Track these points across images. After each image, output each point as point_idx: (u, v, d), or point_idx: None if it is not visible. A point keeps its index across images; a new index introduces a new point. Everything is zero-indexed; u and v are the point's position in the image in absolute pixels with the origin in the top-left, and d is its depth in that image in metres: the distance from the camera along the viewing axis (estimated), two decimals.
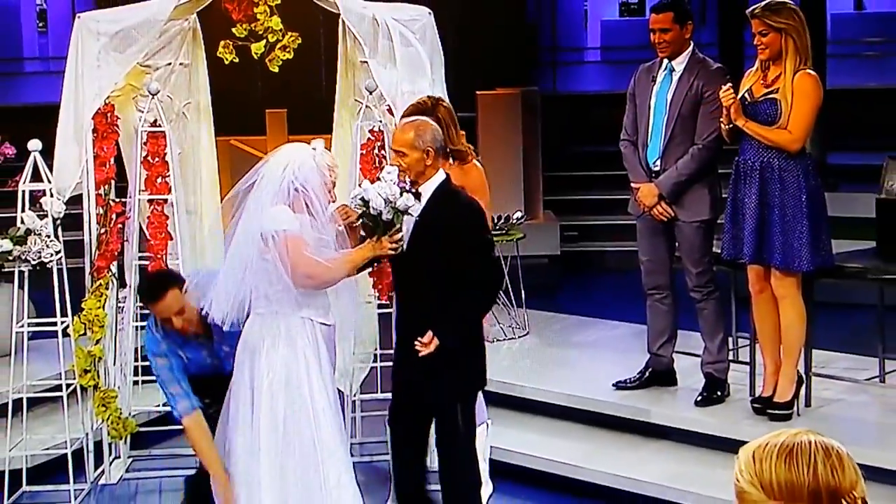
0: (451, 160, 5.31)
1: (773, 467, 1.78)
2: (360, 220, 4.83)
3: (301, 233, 4.72)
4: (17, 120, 6.44)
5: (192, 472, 5.43)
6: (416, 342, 4.72)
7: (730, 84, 5.66)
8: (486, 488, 5.34)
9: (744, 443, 1.91)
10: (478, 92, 10.00)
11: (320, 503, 4.80)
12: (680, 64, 5.99)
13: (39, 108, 6.67)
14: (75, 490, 5.86)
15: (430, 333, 4.71)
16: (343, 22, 6.02)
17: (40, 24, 13.49)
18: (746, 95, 5.64)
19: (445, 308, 4.75)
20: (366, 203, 4.74)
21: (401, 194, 4.71)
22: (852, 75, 13.09)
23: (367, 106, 6.04)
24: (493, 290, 5.06)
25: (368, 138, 5.94)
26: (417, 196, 4.75)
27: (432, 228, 4.79)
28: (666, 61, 6.02)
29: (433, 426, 4.96)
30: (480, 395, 5.19)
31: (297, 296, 4.78)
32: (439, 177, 4.87)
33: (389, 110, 5.89)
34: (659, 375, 6.30)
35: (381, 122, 5.96)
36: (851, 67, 13.65)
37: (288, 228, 4.70)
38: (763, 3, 5.62)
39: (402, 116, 5.30)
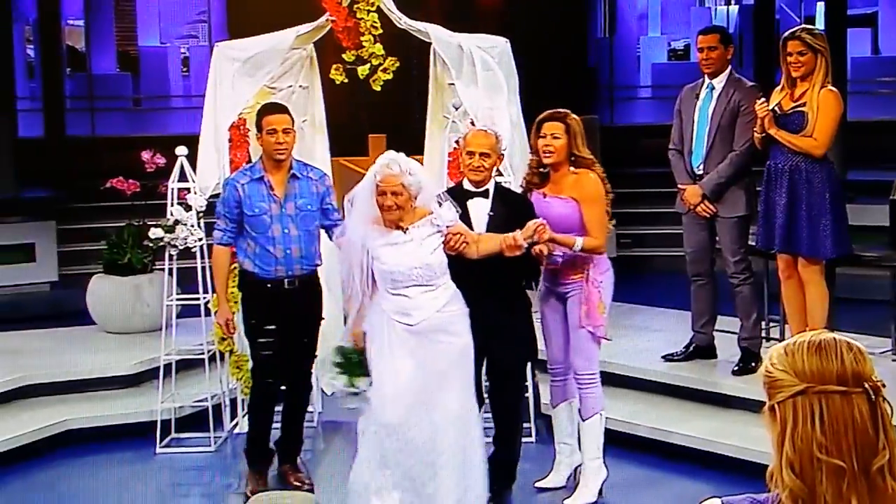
0: (570, 166, 5.00)
1: (804, 357, 1.76)
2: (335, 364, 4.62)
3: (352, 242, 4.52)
4: (165, 146, 6.60)
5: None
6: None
7: (763, 98, 5.65)
8: (601, 475, 5.11)
9: None
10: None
11: None
12: (720, 82, 5.98)
13: (183, 137, 6.82)
14: (214, 437, 5.98)
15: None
16: (434, 50, 6.10)
17: (184, 69, 13.77)
18: (776, 108, 5.61)
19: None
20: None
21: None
22: (869, 109, 12.85)
23: (453, 121, 6.10)
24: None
25: (454, 148, 5.98)
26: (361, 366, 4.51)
27: (499, 217, 4.83)
28: (707, 80, 6.01)
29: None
30: (600, 385, 5.11)
31: (380, 294, 4.51)
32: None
33: (472, 124, 5.93)
34: (701, 350, 6.27)
35: (470, 128, 5.99)
36: (868, 103, 13.41)
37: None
38: (801, 27, 5.72)
39: (539, 122, 5.01)
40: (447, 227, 4.56)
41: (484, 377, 5.06)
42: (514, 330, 4.89)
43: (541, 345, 5.48)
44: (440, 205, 4.60)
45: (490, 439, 5.15)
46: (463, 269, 4.64)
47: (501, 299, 4.85)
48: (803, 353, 1.76)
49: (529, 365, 5.93)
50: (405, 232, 4.50)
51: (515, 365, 5.03)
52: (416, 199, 4.48)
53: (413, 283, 4.47)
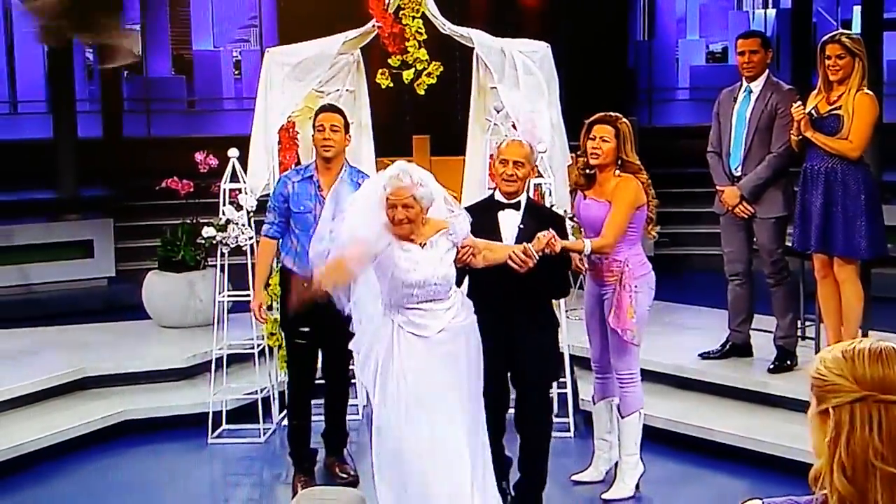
0: (617, 171, 4.88)
1: (865, 364, 1.70)
2: None
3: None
4: (217, 146, 6.66)
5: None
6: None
7: (800, 101, 5.60)
8: (638, 470, 5.07)
9: (808, 403, 1.77)
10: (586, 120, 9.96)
11: None
12: (757, 86, 5.93)
13: (235, 138, 6.89)
14: (263, 429, 6.02)
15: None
16: (477, 54, 6.11)
17: (236, 72, 13.92)
18: (812, 111, 5.56)
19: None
20: None
21: None
22: None
23: (494, 123, 6.11)
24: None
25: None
26: None
27: (529, 230, 4.58)
28: (745, 84, 5.97)
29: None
30: (641, 384, 4.99)
31: (389, 307, 4.23)
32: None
33: (514, 126, 5.95)
34: (737, 348, 6.22)
35: (506, 136, 5.99)
36: None
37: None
38: (839, 32, 5.64)
39: (590, 124, 4.84)
40: (462, 239, 4.29)
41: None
42: (540, 348, 4.70)
43: (580, 342, 5.50)
44: (451, 213, 4.26)
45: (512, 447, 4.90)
46: (492, 283, 4.44)
47: (529, 317, 4.65)
48: (864, 359, 1.71)
49: (568, 362, 5.94)
50: (422, 247, 4.18)
51: (540, 383, 4.78)
52: (426, 211, 4.17)
53: (429, 297, 4.17)
